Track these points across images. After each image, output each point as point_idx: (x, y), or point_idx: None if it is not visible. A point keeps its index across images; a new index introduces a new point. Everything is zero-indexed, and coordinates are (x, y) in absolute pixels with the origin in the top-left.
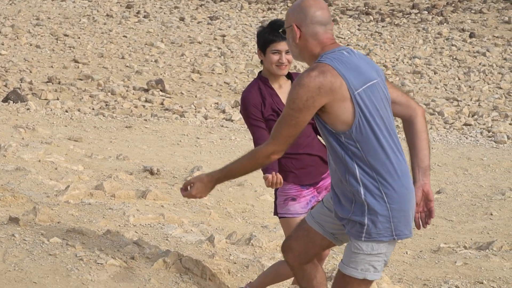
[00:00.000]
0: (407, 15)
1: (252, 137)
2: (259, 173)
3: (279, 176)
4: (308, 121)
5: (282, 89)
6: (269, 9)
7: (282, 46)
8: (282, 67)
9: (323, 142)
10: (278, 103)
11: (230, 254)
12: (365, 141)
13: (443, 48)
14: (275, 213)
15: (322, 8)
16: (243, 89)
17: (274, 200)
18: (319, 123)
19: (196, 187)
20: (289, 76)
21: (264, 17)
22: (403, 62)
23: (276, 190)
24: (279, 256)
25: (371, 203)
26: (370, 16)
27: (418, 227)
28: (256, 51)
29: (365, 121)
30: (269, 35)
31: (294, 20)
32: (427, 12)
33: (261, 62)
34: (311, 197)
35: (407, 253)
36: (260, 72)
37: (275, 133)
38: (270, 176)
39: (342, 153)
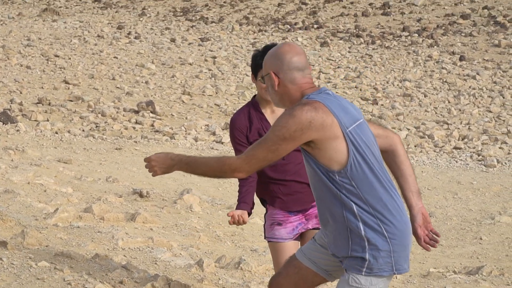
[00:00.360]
0: (398, 38)
1: None
2: None
3: (244, 217)
4: (288, 151)
5: (275, 114)
6: (260, 30)
7: None
8: None
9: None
10: (267, 128)
11: (219, 279)
12: (361, 178)
13: (433, 71)
14: (265, 236)
15: (298, 54)
16: (234, 111)
17: (263, 223)
18: (310, 161)
19: (158, 155)
20: None
21: (255, 38)
22: (393, 85)
23: (265, 214)
24: (268, 281)
25: (372, 239)
26: (361, 39)
27: (428, 249)
28: (247, 73)
29: (360, 159)
30: (260, 60)
31: (271, 68)
32: (417, 35)
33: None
34: (298, 223)
35: (396, 278)
36: (255, 96)
37: (250, 152)
38: (233, 214)
39: (337, 191)
